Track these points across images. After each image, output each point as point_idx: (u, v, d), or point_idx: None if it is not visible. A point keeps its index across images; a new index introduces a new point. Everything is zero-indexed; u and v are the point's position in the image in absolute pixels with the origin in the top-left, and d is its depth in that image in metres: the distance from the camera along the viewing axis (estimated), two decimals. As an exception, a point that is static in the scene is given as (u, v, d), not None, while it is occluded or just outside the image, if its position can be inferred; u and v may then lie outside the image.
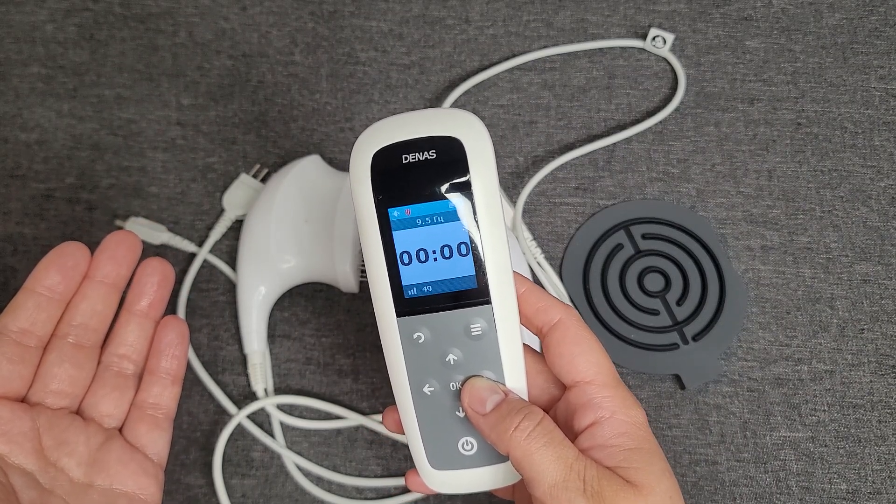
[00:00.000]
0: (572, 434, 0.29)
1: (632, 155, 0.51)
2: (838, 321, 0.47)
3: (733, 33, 0.54)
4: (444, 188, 0.28)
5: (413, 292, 0.29)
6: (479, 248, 0.28)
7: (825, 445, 0.44)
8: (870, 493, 0.43)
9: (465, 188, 0.28)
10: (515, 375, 0.30)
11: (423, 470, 0.31)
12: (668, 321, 0.47)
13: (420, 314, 0.29)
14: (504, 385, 0.29)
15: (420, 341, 0.29)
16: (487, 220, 0.28)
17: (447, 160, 0.28)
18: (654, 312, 0.47)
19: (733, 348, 0.46)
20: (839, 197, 0.50)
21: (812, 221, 0.49)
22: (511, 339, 0.29)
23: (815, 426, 0.45)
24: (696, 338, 0.46)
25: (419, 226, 0.28)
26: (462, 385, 0.30)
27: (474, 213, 0.28)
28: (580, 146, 0.51)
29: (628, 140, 0.51)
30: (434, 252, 0.29)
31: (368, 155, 0.28)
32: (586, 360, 0.29)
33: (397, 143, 0.28)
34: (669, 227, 0.49)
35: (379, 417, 0.45)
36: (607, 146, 0.51)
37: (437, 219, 0.28)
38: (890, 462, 0.44)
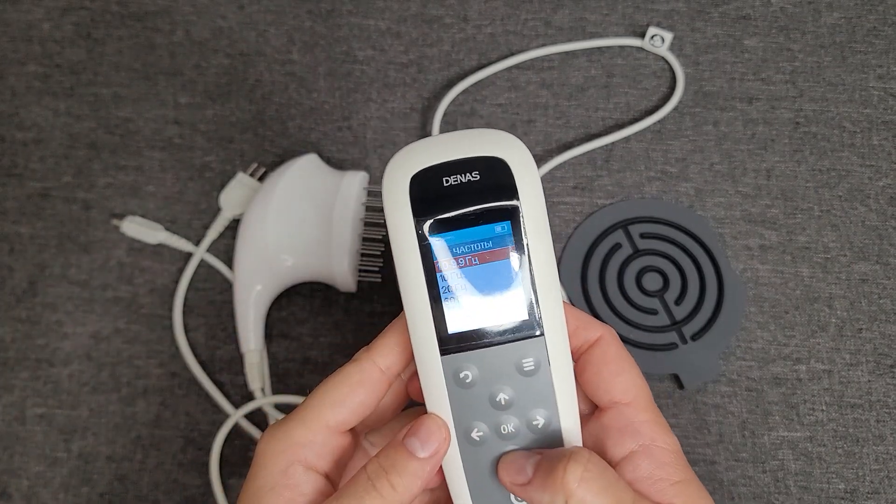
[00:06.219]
0: (607, 458, 0.28)
1: (630, 154, 0.51)
2: (837, 321, 0.47)
3: (732, 32, 0.54)
4: (490, 212, 0.26)
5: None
6: (530, 276, 0.26)
7: (823, 445, 0.44)
8: (868, 492, 0.43)
9: (514, 211, 0.26)
10: (569, 411, 0.27)
11: None
12: (667, 321, 0.47)
13: (467, 351, 0.26)
14: (559, 420, 0.27)
15: (467, 381, 0.27)
16: (537, 245, 0.26)
17: (493, 182, 0.26)
18: (653, 312, 0.47)
19: (732, 348, 0.46)
20: (838, 196, 0.50)
21: (810, 221, 0.49)
22: (564, 373, 0.27)
23: (813, 426, 0.45)
24: (694, 337, 0.46)
25: (464, 253, 0.26)
26: (497, 465, 0.27)
27: (524, 237, 0.26)
28: (578, 145, 0.50)
29: (627, 139, 0.51)
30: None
31: (406, 178, 0.26)
32: (626, 379, 0.28)
33: (437, 164, 0.26)
34: (668, 227, 0.49)
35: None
36: (605, 145, 0.51)
37: (484, 245, 0.26)
38: (888, 461, 0.44)
